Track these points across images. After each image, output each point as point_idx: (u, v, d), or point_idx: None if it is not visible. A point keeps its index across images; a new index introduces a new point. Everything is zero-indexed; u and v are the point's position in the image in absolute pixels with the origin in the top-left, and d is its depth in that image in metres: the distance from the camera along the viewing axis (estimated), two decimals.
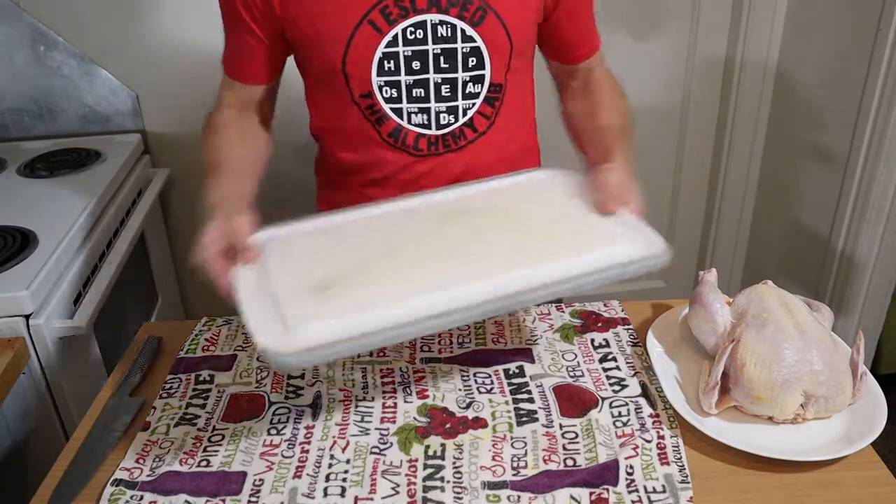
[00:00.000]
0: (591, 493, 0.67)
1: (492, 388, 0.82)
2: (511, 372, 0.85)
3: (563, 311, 0.96)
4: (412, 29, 0.87)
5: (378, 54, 0.88)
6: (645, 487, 0.68)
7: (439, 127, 0.93)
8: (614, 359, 0.87)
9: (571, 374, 0.84)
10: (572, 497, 0.67)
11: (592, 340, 0.90)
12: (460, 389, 0.82)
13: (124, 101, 1.66)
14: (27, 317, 1.06)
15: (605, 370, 0.85)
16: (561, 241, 0.76)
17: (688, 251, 2.18)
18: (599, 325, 0.93)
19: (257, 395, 0.82)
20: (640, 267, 0.73)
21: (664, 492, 0.68)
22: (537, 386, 0.82)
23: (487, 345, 0.90)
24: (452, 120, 0.93)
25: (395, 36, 0.87)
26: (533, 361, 0.86)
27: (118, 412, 0.81)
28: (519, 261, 0.72)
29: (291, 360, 0.64)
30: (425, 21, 0.87)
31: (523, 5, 0.90)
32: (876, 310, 1.76)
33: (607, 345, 0.89)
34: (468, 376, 0.84)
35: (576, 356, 0.87)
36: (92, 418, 0.81)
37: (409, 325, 0.66)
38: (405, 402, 0.81)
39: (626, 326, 0.93)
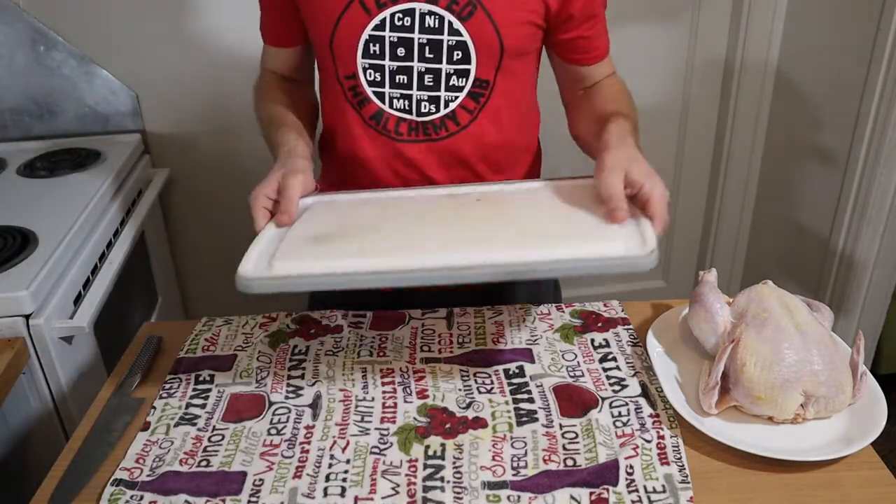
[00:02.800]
0: (591, 493, 0.67)
1: (492, 388, 0.82)
2: (511, 372, 0.85)
3: (563, 311, 0.96)
4: (400, 15, 0.88)
5: (364, 36, 0.89)
6: (645, 487, 0.68)
7: (420, 114, 0.93)
8: (614, 359, 0.87)
9: (571, 374, 0.84)
10: (572, 497, 0.67)
11: (592, 340, 0.90)
12: (460, 389, 0.82)
13: (124, 101, 1.66)
14: (27, 317, 1.06)
15: (605, 370, 0.85)
16: (557, 229, 0.78)
17: (688, 251, 2.18)
18: (599, 325, 0.93)
19: (257, 395, 0.82)
20: (622, 264, 0.72)
21: (664, 492, 0.68)
22: (537, 386, 0.82)
23: (487, 345, 0.90)
24: (434, 109, 0.93)
25: (383, 20, 0.88)
26: (533, 361, 0.86)
27: (118, 412, 0.81)
28: (510, 238, 0.76)
29: (253, 284, 0.73)
30: (414, 9, 0.87)
31: (517, 5, 0.90)
32: (876, 310, 1.76)
33: (607, 345, 0.89)
34: (468, 376, 0.84)
35: (576, 356, 0.87)
36: (92, 418, 0.81)
37: (377, 274, 0.71)
38: (405, 402, 0.81)
39: (626, 326, 0.93)
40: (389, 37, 0.89)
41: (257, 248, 0.78)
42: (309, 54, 1.03)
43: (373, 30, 0.88)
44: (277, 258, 0.75)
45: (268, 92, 1.02)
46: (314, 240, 0.79)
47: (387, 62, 0.90)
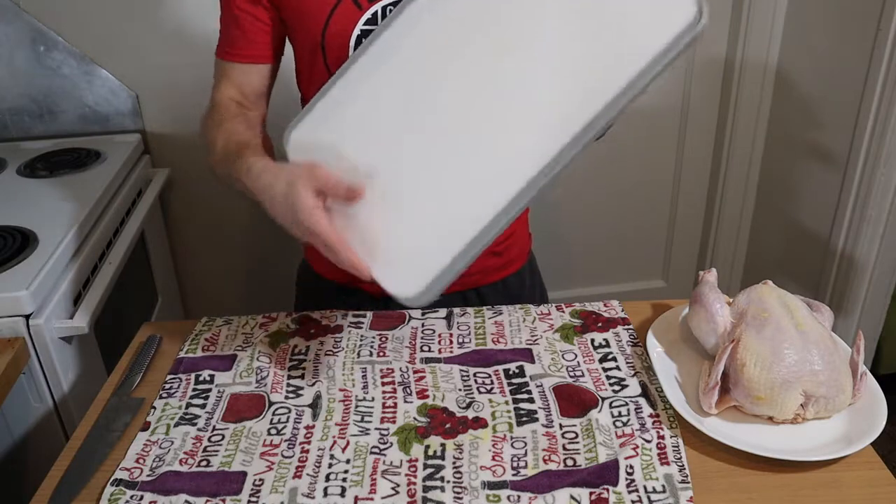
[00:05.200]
0: (591, 493, 0.67)
1: (492, 388, 0.82)
2: (511, 372, 0.85)
3: (563, 311, 0.96)
4: (391, 9, 0.86)
5: (356, 31, 0.87)
6: (645, 487, 0.68)
7: None
8: (614, 359, 0.87)
9: (571, 374, 0.84)
10: (572, 497, 0.67)
11: (592, 340, 0.90)
12: (460, 389, 0.82)
13: (124, 101, 1.66)
14: (27, 317, 1.06)
15: (605, 370, 0.85)
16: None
17: (688, 251, 2.18)
18: (599, 325, 0.93)
19: (257, 395, 0.82)
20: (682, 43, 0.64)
21: (664, 492, 0.68)
22: (537, 386, 0.82)
23: (487, 345, 0.90)
24: None
25: (375, 14, 0.86)
26: (533, 361, 0.86)
27: (118, 412, 0.81)
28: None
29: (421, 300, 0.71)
30: None
31: None
32: (876, 310, 1.76)
33: (607, 345, 0.89)
34: (468, 376, 0.85)
35: (576, 356, 0.87)
36: (92, 418, 0.81)
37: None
38: (405, 402, 0.81)
39: (626, 326, 0.93)
40: None
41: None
42: (274, 77, 0.98)
43: (364, 24, 0.87)
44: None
45: (226, 122, 0.92)
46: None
47: None
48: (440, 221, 0.73)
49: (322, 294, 1.08)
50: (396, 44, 0.77)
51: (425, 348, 0.90)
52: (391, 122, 0.76)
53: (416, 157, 0.75)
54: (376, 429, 0.77)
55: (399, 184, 0.75)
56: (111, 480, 0.71)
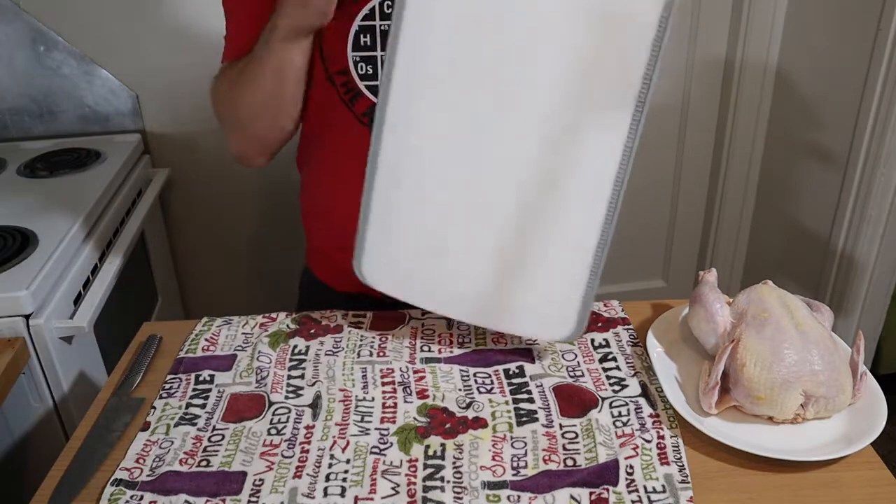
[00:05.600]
0: (591, 493, 0.67)
1: (492, 388, 0.82)
2: (511, 372, 0.85)
3: None
4: (389, 3, 0.85)
5: (354, 27, 0.86)
6: (645, 487, 0.68)
7: None
8: (614, 359, 0.87)
9: (571, 374, 0.84)
10: (572, 497, 0.67)
11: (592, 340, 0.90)
12: (460, 389, 0.82)
13: (124, 101, 1.66)
14: (27, 317, 1.06)
15: (605, 370, 0.85)
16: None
17: (688, 251, 2.18)
18: (599, 325, 0.93)
19: (257, 395, 0.82)
20: None
21: (664, 492, 0.68)
22: (537, 386, 0.82)
23: (487, 345, 0.90)
24: None
25: (373, 9, 0.85)
26: (533, 361, 0.86)
27: (118, 412, 0.81)
28: None
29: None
30: None
31: None
32: (876, 310, 1.76)
33: (607, 345, 0.89)
34: (468, 376, 0.84)
35: (576, 356, 0.87)
36: (92, 418, 0.81)
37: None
38: (405, 402, 0.81)
39: (626, 326, 0.93)
40: (380, 26, 0.86)
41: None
42: None
43: (362, 20, 0.86)
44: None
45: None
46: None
47: (378, 52, 0.87)
48: (560, 264, 0.81)
49: (328, 305, 1.06)
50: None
51: (425, 348, 0.90)
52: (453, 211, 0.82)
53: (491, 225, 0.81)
54: (376, 429, 0.77)
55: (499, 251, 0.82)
56: (111, 480, 0.71)
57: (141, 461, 0.73)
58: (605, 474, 0.69)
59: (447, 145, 0.78)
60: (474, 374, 0.85)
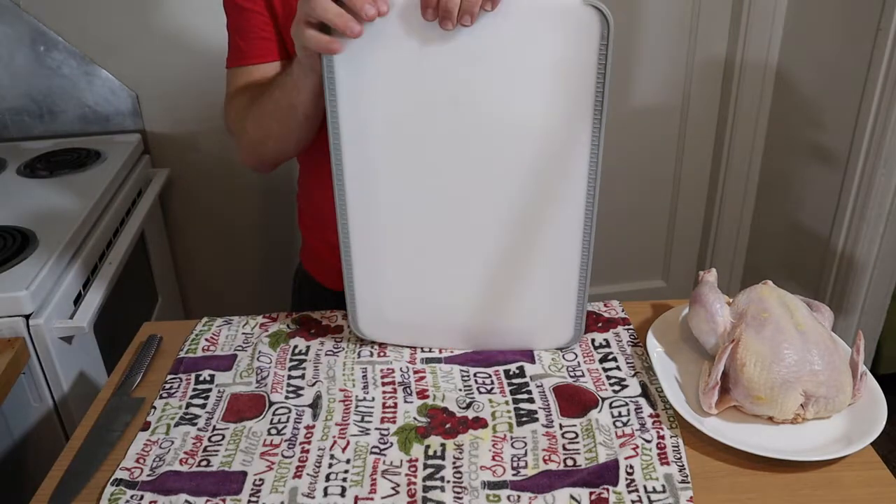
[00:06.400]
0: (591, 493, 0.68)
1: (492, 388, 0.82)
2: (511, 372, 0.85)
3: None
4: None
5: None
6: (645, 487, 0.68)
7: None
8: (614, 359, 0.87)
9: (571, 374, 0.84)
10: (572, 497, 0.67)
11: (593, 340, 0.90)
12: (460, 389, 0.82)
13: (124, 101, 1.66)
14: (27, 317, 1.06)
15: (606, 370, 0.85)
16: None
17: (688, 251, 2.18)
18: (599, 325, 0.93)
19: (257, 395, 0.82)
20: None
21: (664, 492, 0.68)
22: (537, 386, 0.82)
23: None
24: None
25: None
26: (533, 361, 0.87)
27: (118, 412, 0.81)
28: None
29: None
30: None
31: None
32: (876, 310, 1.76)
33: (607, 345, 0.89)
34: (468, 376, 0.85)
35: (576, 356, 0.87)
36: (92, 418, 0.81)
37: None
38: (405, 402, 0.81)
39: (626, 326, 0.93)
40: None
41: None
42: None
43: None
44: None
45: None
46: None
47: None
48: (548, 280, 0.83)
49: (320, 302, 1.07)
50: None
51: (425, 348, 0.90)
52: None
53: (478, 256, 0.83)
54: (376, 429, 0.77)
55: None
56: (111, 480, 0.71)
57: (141, 461, 0.73)
58: (605, 474, 0.69)
59: (411, 191, 0.80)
60: (474, 375, 0.85)
